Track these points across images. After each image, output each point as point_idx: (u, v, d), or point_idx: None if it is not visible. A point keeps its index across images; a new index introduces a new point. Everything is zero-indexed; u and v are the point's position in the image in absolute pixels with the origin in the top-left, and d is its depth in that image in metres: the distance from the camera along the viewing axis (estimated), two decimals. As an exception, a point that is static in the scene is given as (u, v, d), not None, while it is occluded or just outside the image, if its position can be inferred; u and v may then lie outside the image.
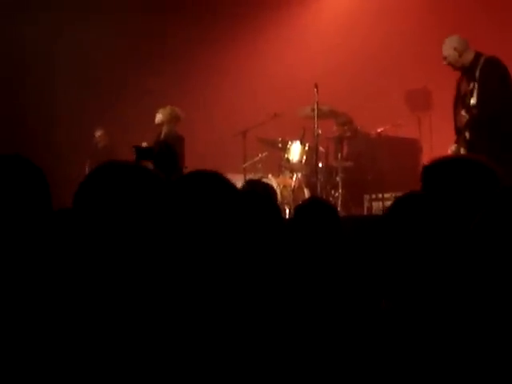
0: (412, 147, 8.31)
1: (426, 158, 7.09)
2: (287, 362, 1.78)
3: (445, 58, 5.95)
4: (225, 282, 1.72)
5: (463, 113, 5.72)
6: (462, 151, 5.73)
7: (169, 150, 7.03)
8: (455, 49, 5.86)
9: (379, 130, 7.98)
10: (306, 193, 7.44)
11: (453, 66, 5.96)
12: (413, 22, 8.56)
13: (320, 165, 7.45)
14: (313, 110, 7.23)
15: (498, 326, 0.97)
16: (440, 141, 7.67)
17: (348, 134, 7.93)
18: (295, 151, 7.54)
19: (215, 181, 1.77)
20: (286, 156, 7.59)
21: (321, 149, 7.54)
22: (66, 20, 9.17)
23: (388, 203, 7.46)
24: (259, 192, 2.85)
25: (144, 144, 7.47)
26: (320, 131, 7.30)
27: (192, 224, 1.66)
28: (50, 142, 9.10)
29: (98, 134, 9.43)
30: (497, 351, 1.00)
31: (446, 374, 1.39)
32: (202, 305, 1.62)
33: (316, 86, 7.14)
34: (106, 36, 9.35)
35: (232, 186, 1.84)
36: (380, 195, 7.61)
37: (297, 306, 2.05)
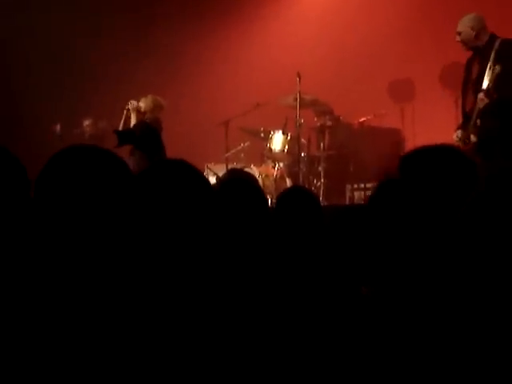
0: (394, 137, 8.32)
1: (408, 149, 7.08)
2: (268, 348, 1.76)
3: (458, 34, 5.68)
4: (208, 271, 1.69)
5: (481, 96, 5.37)
6: (472, 138, 5.42)
7: (150, 131, 6.96)
8: (472, 28, 5.60)
9: (362, 120, 7.97)
10: (288, 182, 7.44)
11: (465, 44, 5.70)
12: (396, 11, 8.54)
13: (302, 154, 7.45)
14: (295, 99, 7.20)
15: (482, 314, 0.95)
16: (422, 131, 7.69)
17: (329, 123, 7.93)
18: (277, 141, 7.53)
19: (185, 169, 1.74)
20: (268, 146, 7.58)
21: (303, 139, 7.53)
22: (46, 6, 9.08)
23: (370, 193, 7.47)
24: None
25: (133, 104, 7.30)
26: (302, 121, 7.28)
27: (165, 212, 1.63)
28: (35, 134, 9.00)
29: (86, 123, 9.31)
30: (479, 338, 0.98)
31: (427, 360, 1.38)
32: (179, 296, 1.60)
33: (298, 75, 7.11)
34: (89, 23, 9.29)
35: (201, 175, 1.81)
36: (362, 185, 7.61)
37: (280, 292, 2.03)
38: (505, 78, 5.31)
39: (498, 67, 5.29)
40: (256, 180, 2.65)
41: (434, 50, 8.12)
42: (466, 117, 5.64)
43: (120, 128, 7.57)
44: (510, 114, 5.38)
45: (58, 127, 9.15)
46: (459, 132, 5.65)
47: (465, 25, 5.68)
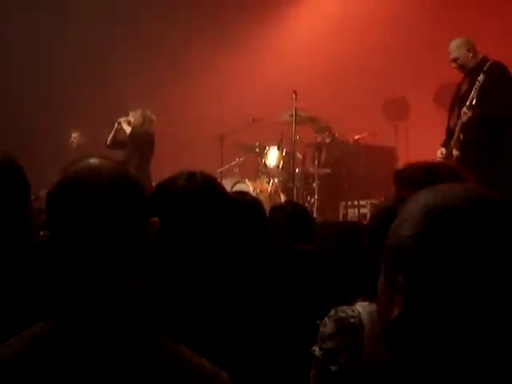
0: (388, 155, 8.38)
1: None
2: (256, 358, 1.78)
3: (455, 60, 5.77)
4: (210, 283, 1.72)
5: (465, 109, 5.48)
6: (455, 152, 5.58)
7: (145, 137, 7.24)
8: (469, 50, 5.71)
9: (356, 138, 8.04)
10: (283, 198, 7.45)
11: (463, 67, 5.77)
12: (392, 30, 8.63)
13: (297, 171, 7.47)
14: (291, 115, 7.23)
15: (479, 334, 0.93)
16: (416, 150, 7.74)
17: (327, 140, 8.00)
18: (272, 156, 7.56)
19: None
20: (263, 161, 7.60)
21: (298, 155, 7.56)
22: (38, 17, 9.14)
23: (364, 210, 7.51)
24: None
25: (123, 119, 7.53)
26: (298, 137, 7.32)
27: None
28: (27, 145, 9.00)
29: (74, 135, 9.38)
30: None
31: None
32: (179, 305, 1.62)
33: (295, 92, 7.15)
34: (78, 32, 9.35)
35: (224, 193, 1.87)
36: (356, 202, 7.65)
37: (274, 304, 2.05)
38: (488, 96, 5.43)
39: (483, 85, 5.41)
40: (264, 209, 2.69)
41: (428, 71, 8.20)
42: (450, 133, 5.75)
43: (109, 141, 7.67)
44: (492, 128, 5.50)
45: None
46: (443, 149, 5.76)
47: (460, 49, 5.76)
